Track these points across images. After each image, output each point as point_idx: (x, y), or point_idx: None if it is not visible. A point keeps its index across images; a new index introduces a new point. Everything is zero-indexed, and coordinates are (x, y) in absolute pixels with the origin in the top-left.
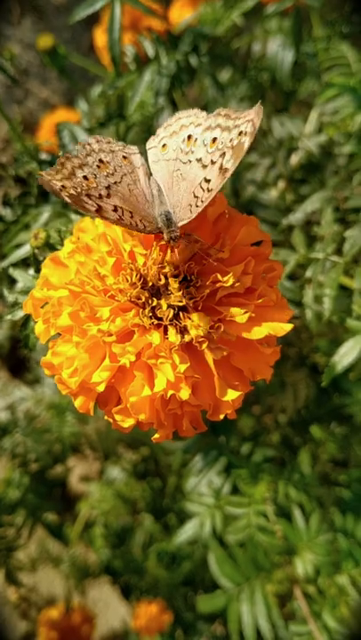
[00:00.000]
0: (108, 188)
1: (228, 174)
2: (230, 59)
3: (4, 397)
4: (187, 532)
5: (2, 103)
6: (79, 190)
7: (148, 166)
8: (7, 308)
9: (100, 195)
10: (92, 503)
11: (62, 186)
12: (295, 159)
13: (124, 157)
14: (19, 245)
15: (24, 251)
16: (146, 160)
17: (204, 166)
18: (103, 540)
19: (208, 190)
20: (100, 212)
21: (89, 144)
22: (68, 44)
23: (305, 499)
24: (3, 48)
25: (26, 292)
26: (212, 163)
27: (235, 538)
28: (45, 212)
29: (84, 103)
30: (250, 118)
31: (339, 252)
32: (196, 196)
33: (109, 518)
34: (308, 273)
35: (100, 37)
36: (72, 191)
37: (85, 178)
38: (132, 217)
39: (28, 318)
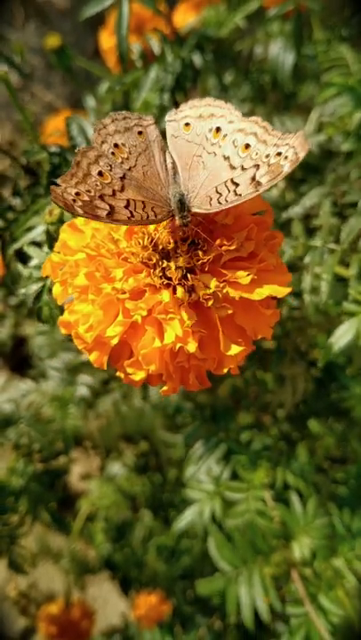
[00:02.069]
0: (122, 178)
1: (262, 190)
2: (233, 60)
3: (9, 390)
4: (186, 517)
5: (15, 94)
6: (93, 193)
7: (165, 140)
8: (22, 281)
9: (113, 191)
10: (93, 500)
11: (76, 193)
12: None
13: (140, 133)
14: (29, 229)
15: (35, 233)
16: (161, 134)
17: (233, 167)
18: (103, 534)
19: (236, 194)
20: (111, 215)
21: (104, 126)
22: (73, 49)
23: (302, 484)
24: (9, 48)
25: (39, 267)
26: (243, 169)
27: (234, 522)
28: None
29: (91, 99)
30: (292, 144)
31: (336, 242)
32: (218, 192)
33: (110, 513)
34: (307, 259)
35: (106, 40)
36: (85, 197)
37: (100, 174)
38: (143, 208)
39: (41, 292)
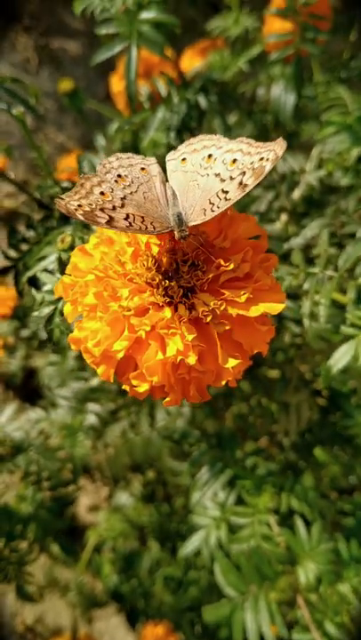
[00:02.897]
0: (123, 198)
1: (248, 189)
2: (237, 101)
3: (19, 418)
4: (193, 543)
5: (30, 133)
6: (94, 206)
7: (165, 174)
8: (35, 305)
9: (113, 206)
10: (101, 531)
11: (78, 205)
12: (298, 193)
13: (142, 169)
14: (42, 258)
15: (48, 261)
16: (163, 170)
17: (223, 180)
18: (111, 565)
19: (226, 199)
20: (110, 222)
21: (109, 162)
22: (85, 93)
23: (307, 509)
24: (25, 91)
25: (52, 291)
26: (231, 178)
27: (239, 547)
28: (67, 231)
29: (101, 138)
30: (272, 148)
31: (334, 270)
32: (211, 203)
33: (117, 543)
34: (306, 286)
35: (116, 84)
36: (87, 208)
37: (102, 193)
38: (142, 221)
39: (52, 315)
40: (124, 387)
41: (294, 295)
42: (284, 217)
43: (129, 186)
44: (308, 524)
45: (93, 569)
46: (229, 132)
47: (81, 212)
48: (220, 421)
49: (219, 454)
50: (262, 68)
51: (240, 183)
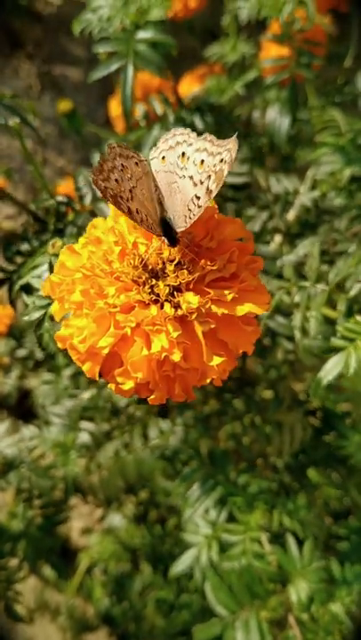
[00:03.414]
0: (130, 191)
1: (212, 195)
2: (233, 123)
3: (12, 435)
4: (184, 562)
5: (26, 146)
6: (114, 193)
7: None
8: (26, 310)
9: (127, 198)
10: (93, 554)
11: (105, 187)
12: (292, 214)
13: (136, 164)
14: (35, 267)
15: (41, 269)
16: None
17: (195, 184)
18: (102, 588)
19: (198, 206)
20: (130, 213)
21: (114, 147)
22: (85, 118)
23: (298, 527)
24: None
25: (42, 297)
26: (201, 183)
27: (230, 565)
28: (60, 242)
29: (97, 156)
30: (229, 147)
31: (325, 285)
32: (189, 209)
33: (109, 565)
34: (297, 298)
35: (115, 108)
36: (110, 192)
37: (116, 181)
38: (147, 220)
39: (42, 319)
40: (109, 385)
41: (286, 312)
42: (278, 238)
43: (131, 179)
44: (300, 542)
45: (85, 592)
46: None
47: (109, 194)
48: (214, 441)
49: (211, 471)
50: (258, 92)
51: (207, 189)
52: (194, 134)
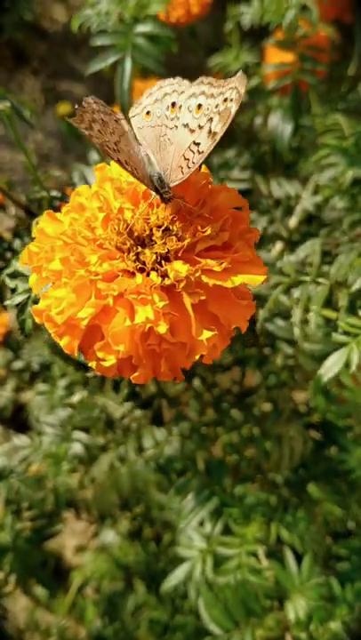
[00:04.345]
0: (115, 143)
1: (218, 137)
2: (234, 129)
3: (2, 444)
4: (177, 577)
5: (16, 129)
6: (100, 142)
7: (134, 132)
8: (9, 294)
9: (113, 149)
10: (86, 572)
11: (89, 134)
12: (294, 220)
13: (116, 121)
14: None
15: None
16: (131, 127)
17: (192, 131)
18: (94, 607)
19: (199, 152)
20: (120, 163)
21: (89, 102)
22: None
23: (297, 540)
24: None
25: (26, 280)
26: (200, 127)
27: (225, 580)
28: None
29: (95, 153)
30: (233, 86)
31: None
32: (186, 159)
33: (102, 583)
34: (296, 294)
35: None
36: (96, 140)
37: (100, 131)
38: (136, 172)
39: (25, 304)
40: (90, 364)
41: (285, 315)
42: (279, 245)
43: (113, 133)
44: (298, 557)
45: (77, 612)
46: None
47: (95, 141)
48: (210, 453)
49: (206, 481)
50: (260, 99)
51: (209, 132)
52: (185, 81)
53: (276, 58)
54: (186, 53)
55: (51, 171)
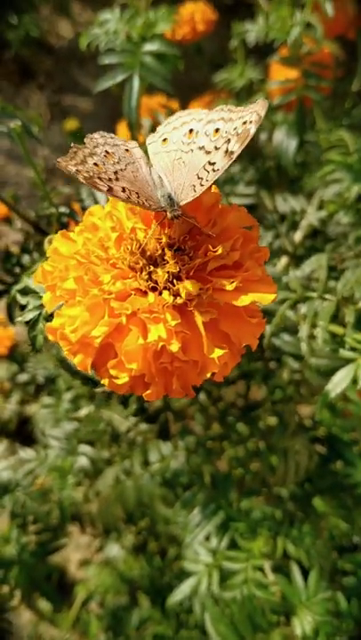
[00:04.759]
0: (115, 173)
1: (235, 156)
2: None
3: (8, 458)
4: (183, 591)
5: (27, 148)
6: (91, 174)
7: (148, 158)
8: (20, 313)
9: (109, 178)
10: (90, 586)
11: (77, 170)
12: (299, 235)
13: (126, 150)
14: (34, 271)
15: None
16: (145, 153)
17: (208, 152)
18: (98, 621)
19: (214, 170)
20: (110, 191)
21: (95, 138)
22: None
23: (303, 555)
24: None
25: (38, 296)
26: (216, 149)
27: (231, 594)
28: None
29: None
30: (254, 109)
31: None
32: (200, 177)
33: (107, 598)
34: (303, 309)
35: (122, 133)
36: (85, 174)
37: (95, 164)
38: (138, 197)
39: (37, 320)
40: (102, 381)
41: (292, 329)
42: (284, 260)
43: (118, 163)
44: (305, 572)
45: (81, 627)
46: (232, 176)
47: (82, 177)
48: (216, 467)
49: (212, 495)
50: (265, 115)
51: (226, 151)
52: (204, 110)
53: (281, 74)
54: (191, 70)
55: (57, 185)
